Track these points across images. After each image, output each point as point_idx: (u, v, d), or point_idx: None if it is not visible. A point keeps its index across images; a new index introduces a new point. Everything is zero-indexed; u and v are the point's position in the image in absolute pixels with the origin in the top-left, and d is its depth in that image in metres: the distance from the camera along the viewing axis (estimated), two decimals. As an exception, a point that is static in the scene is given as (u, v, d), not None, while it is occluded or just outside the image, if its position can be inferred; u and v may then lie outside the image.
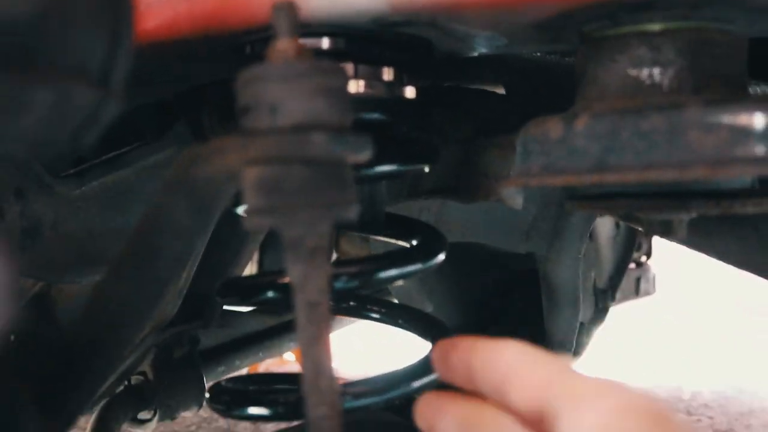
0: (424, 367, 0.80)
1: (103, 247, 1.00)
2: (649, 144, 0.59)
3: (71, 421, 0.61)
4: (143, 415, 1.37)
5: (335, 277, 0.74)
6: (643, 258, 2.37)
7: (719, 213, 0.68)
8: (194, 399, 1.42)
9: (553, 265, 1.20)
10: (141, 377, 1.37)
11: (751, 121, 0.55)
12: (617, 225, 2.00)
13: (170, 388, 1.37)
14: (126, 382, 1.36)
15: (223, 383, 0.84)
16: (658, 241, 2.32)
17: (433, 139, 0.89)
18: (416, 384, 0.78)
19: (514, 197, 0.76)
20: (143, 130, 1.11)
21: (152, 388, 1.36)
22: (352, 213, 0.54)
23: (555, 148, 0.65)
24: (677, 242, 1.15)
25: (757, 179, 0.71)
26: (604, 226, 1.92)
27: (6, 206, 0.90)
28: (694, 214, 0.72)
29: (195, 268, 1.28)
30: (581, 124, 0.63)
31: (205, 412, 2.68)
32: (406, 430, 1.00)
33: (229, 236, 1.31)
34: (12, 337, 1.09)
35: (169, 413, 1.39)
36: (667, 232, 0.73)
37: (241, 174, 0.52)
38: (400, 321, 0.92)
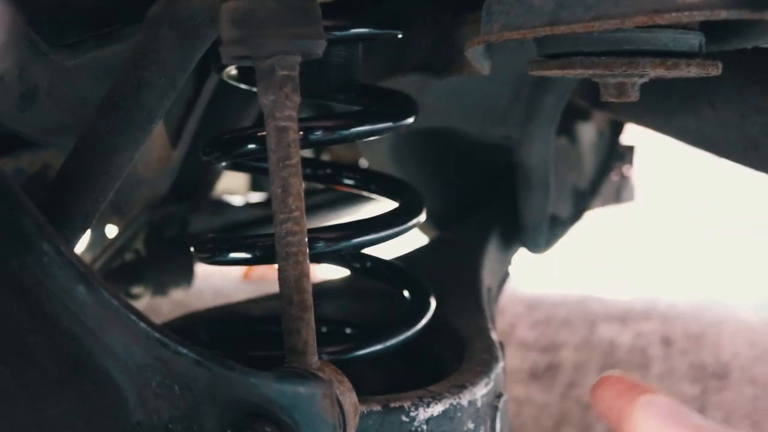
0: (395, 216, 0.86)
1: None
2: (597, -2, 0.64)
3: (80, 232, 0.67)
4: (136, 290, 1.44)
5: (306, 130, 0.79)
6: (626, 167, 2.44)
7: (665, 72, 0.73)
8: (184, 277, 1.50)
9: (526, 148, 1.25)
10: (134, 254, 1.44)
11: (687, -28, 0.61)
12: (600, 132, 2.06)
13: (161, 265, 1.44)
14: (120, 259, 1.43)
15: (207, 235, 0.90)
16: (643, 152, 2.38)
17: (407, 13, 0.94)
18: (391, 230, 0.84)
19: (479, 61, 0.81)
20: (138, 9, 1.15)
21: (144, 264, 1.43)
22: (320, 48, 0.60)
23: (514, 7, 0.70)
24: (642, 124, 1.21)
25: (704, 45, 0.77)
26: (587, 132, 1.98)
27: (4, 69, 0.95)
28: (645, 78, 0.78)
29: (186, 149, 1.34)
30: (538, -18, 0.68)
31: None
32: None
33: (220, 121, 1.36)
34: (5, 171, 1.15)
35: (160, 290, 1.47)
36: (621, 95, 0.79)
37: (218, 8, 0.57)
38: (373, 186, 0.98)
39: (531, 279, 3.00)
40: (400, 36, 0.90)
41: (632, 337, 2.55)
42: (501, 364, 0.88)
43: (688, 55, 0.75)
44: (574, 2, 0.66)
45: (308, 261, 0.61)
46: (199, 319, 1.00)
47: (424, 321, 0.90)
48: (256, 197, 2.02)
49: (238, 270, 3.10)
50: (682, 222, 4.13)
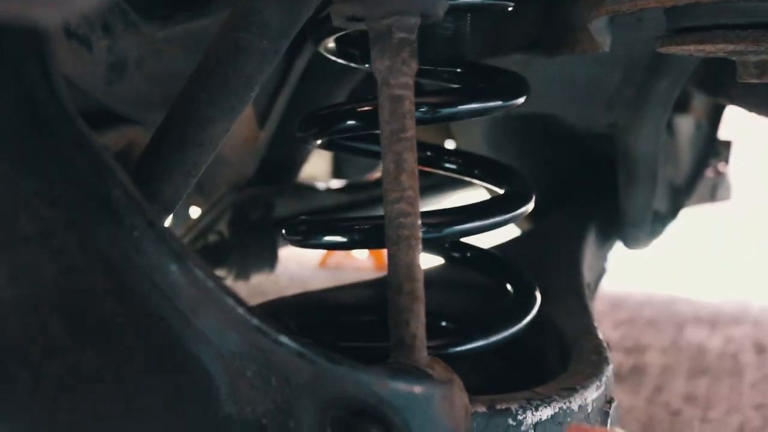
0: (502, 202, 0.80)
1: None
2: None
3: (170, 208, 0.62)
4: (218, 272, 1.40)
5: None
6: (722, 164, 2.33)
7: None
8: (267, 262, 1.46)
9: (634, 136, 1.17)
10: (217, 236, 1.40)
11: None
12: (698, 126, 1.96)
13: (245, 249, 1.41)
14: (203, 240, 1.40)
15: (299, 218, 0.85)
16: (739, 147, 2.27)
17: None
18: (496, 218, 0.78)
19: (602, 34, 0.74)
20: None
21: (228, 247, 1.40)
22: (442, 9, 0.54)
23: (649, -28, 0.63)
24: (758, 112, 1.12)
25: None
26: (685, 126, 1.89)
27: (94, 38, 0.92)
28: (791, 56, 0.70)
29: (273, 129, 1.30)
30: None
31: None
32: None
33: (309, 101, 1.31)
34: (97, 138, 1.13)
35: (243, 273, 1.43)
36: (762, 74, 0.71)
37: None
38: (477, 171, 0.91)
39: (615, 276, 2.89)
40: (510, 8, 0.83)
41: (722, 341, 2.44)
42: (611, 366, 0.81)
43: None
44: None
45: (420, 246, 0.55)
46: (285, 306, 0.95)
47: (529, 316, 0.83)
48: (338, 184, 1.98)
49: (314, 257, 3.07)
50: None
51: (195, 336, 0.50)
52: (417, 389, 0.47)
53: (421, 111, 0.75)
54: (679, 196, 1.83)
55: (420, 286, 0.54)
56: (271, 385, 0.51)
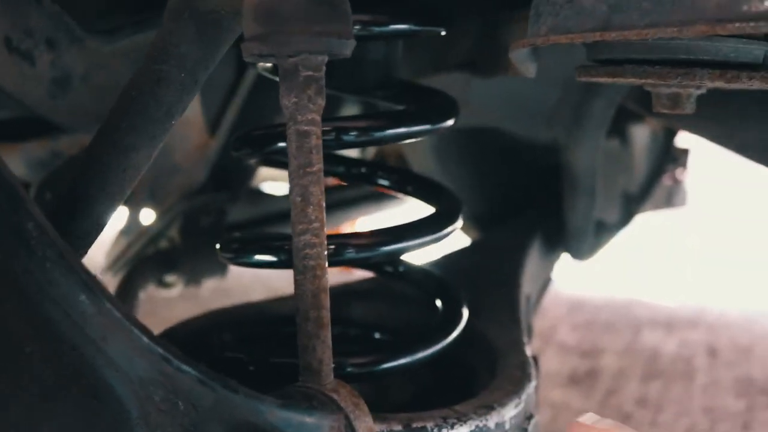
0: (428, 223, 0.82)
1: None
2: (654, 3, 0.59)
3: (97, 230, 0.64)
4: (169, 278, 1.42)
5: (342, 130, 0.75)
6: (678, 171, 2.37)
7: (724, 84, 0.68)
8: (218, 267, 1.47)
9: (573, 152, 1.20)
10: (168, 242, 1.42)
11: (752, -21, 0.55)
12: (654, 135, 1.99)
13: (196, 254, 1.42)
14: (154, 246, 1.41)
15: (233, 234, 0.87)
16: (698, 156, 2.31)
17: (451, 4, 0.89)
18: (425, 237, 0.80)
19: (525, 63, 0.76)
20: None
21: (179, 252, 1.41)
22: (348, 48, 0.56)
23: (564, 9, 0.65)
24: (698, 134, 1.15)
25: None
26: (641, 134, 1.92)
27: (36, 53, 0.93)
28: (702, 89, 0.73)
29: (224, 138, 1.32)
30: (591, -16, 0.63)
31: (240, 298, 2.76)
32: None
33: (259, 110, 1.33)
34: (49, 195, 1.14)
35: (193, 278, 1.44)
36: (675, 106, 0.74)
37: (241, 2, 0.53)
38: (409, 188, 0.94)
39: (573, 280, 2.93)
40: (443, 32, 0.85)
41: (677, 345, 2.48)
42: (533, 383, 0.84)
43: (751, 67, 0.69)
44: (628, 6, 0.61)
45: (327, 275, 0.57)
46: (223, 318, 0.97)
47: (455, 333, 0.86)
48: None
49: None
50: (734, 228, 4.02)
51: (105, 363, 0.52)
52: (307, 419, 0.50)
53: (352, 135, 0.77)
54: (632, 205, 1.86)
55: (326, 313, 0.57)
56: (179, 410, 0.53)
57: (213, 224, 1.45)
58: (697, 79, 0.68)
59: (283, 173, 1.76)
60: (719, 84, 0.68)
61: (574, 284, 2.93)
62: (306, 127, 0.54)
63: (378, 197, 1.81)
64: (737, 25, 0.56)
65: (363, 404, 0.57)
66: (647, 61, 0.69)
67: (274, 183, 2.09)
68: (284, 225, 1.69)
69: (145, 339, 0.51)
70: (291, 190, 0.56)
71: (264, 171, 1.70)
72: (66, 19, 0.98)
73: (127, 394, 0.53)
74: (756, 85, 0.69)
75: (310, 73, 0.54)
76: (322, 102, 0.55)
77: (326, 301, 0.57)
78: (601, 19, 0.62)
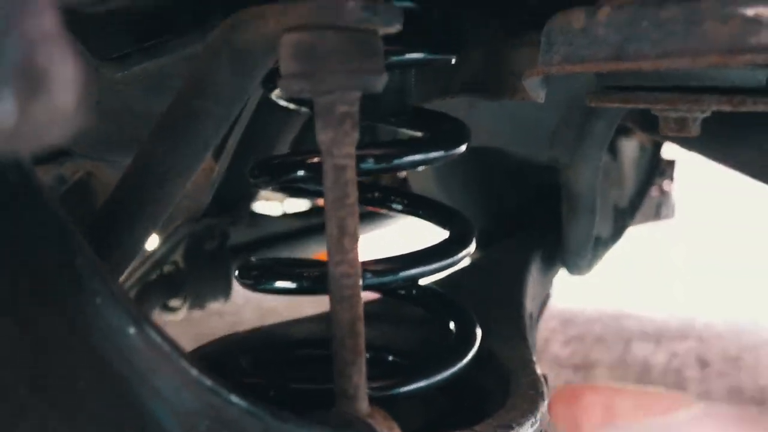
0: (443, 248, 0.84)
1: (143, 128, 1.04)
2: (666, 33, 0.61)
3: (129, 260, 0.66)
4: (174, 302, 1.43)
5: (359, 158, 0.77)
6: (666, 183, 2.40)
7: (731, 109, 0.71)
8: (222, 290, 1.49)
9: (573, 172, 1.23)
10: (173, 266, 1.43)
11: (764, 12, 0.58)
12: (642, 148, 2.02)
13: (200, 278, 1.43)
14: (158, 271, 1.42)
15: (252, 260, 0.88)
16: (684, 168, 2.34)
17: (460, 31, 0.92)
18: (435, 265, 0.82)
19: (536, 90, 0.79)
20: (182, 23, 1.14)
21: (183, 277, 1.42)
22: (381, 83, 0.58)
23: (577, 38, 0.67)
24: (697, 152, 1.18)
25: (773, 81, 0.74)
26: (629, 148, 1.94)
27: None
28: (707, 113, 0.75)
29: (228, 162, 1.33)
30: (604, 14, 0.65)
31: (232, 317, 2.77)
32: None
33: (261, 135, 1.35)
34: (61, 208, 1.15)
35: (198, 302, 1.45)
36: (681, 129, 0.76)
37: (278, 40, 0.55)
38: (420, 212, 0.96)
39: (565, 293, 2.95)
40: (453, 60, 0.88)
41: (667, 356, 2.51)
42: (546, 402, 0.86)
43: (756, 92, 0.72)
44: (641, 36, 0.63)
45: (362, 303, 0.59)
46: (238, 343, 0.98)
47: (471, 354, 0.88)
48: (294, 205, 2.01)
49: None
50: (722, 238, 4.06)
51: (153, 394, 0.54)
52: (357, 444, 0.52)
53: (369, 162, 0.79)
54: (623, 218, 1.89)
55: (362, 341, 0.58)
56: (225, 439, 0.55)
57: (216, 248, 1.46)
58: (706, 104, 0.71)
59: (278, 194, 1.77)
60: (727, 108, 0.71)
61: (566, 297, 2.95)
62: (343, 162, 0.56)
63: (369, 218, 1.83)
64: (748, 56, 0.59)
65: (397, 428, 0.59)
66: (658, 88, 0.72)
67: (266, 203, 2.11)
68: (281, 247, 1.71)
69: (194, 371, 0.53)
70: (327, 221, 0.58)
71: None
72: (78, 46, 1.00)
73: (173, 425, 0.55)
74: (761, 108, 0.71)
75: (346, 108, 0.56)
76: (356, 135, 0.57)
77: (362, 329, 0.59)
78: (614, 48, 0.65)
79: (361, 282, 0.59)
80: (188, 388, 0.53)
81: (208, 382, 0.52)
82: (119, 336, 0.52)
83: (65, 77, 0.29)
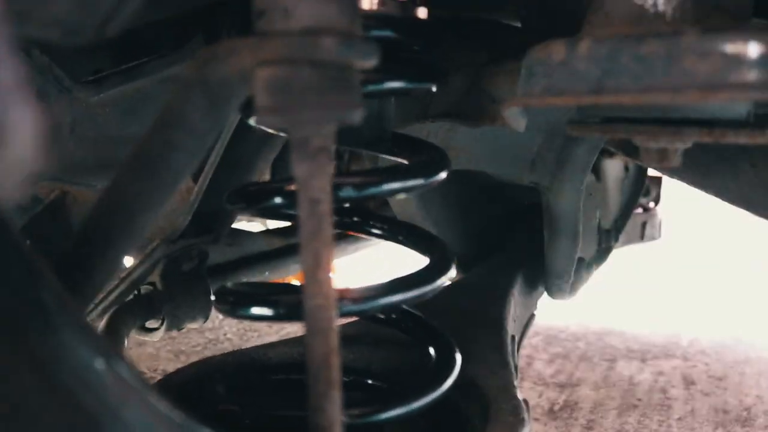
0: (421, 276, 0.84)
1: (119, 152, 1.03)
2: (646, 68, 0.61)
3: (97, 292, 0.65)
4: (151, 323, 1.42)
5: (338, 186, 0.77)
6: (651, 203, 2.40)
7: (712, 141, 0.71)
8: (201, 311, 1.47)
9: (555, 196, 1.23)
10: (150, 287, 1.41)
11: (744, 49, 0.58)
12: (626, 168, 2.02)
13: (178, 299, 1.42)
14: (135, 292, 1.41)
15: (229, 285, 0.87)
16: (667, 188, 2.34)
17: (441, 60, 0.92)
18: (413, 292, 0.82)
19: (517, 119, 0.78)
20: (161, 44, 1.14)
21: (161, 298, 1.41)
22: (357, 116, 0.57)
23: (557, 70, 0.67)
24: (677, 178, 1.18)
25: (753, 113, 0.74)
26: (613, 168, 1.94)
27: (28, 107, 0.94)
28: (688, 144, 0.75)
29: (206, 183, 1.32)
30: (584, 47, 0.65)
31: (211, 333, 2.76)
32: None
33: (240, 154, 1.34)
34: (27, 242, 1.13)
35: (176, 323, 1.44)
36: (662, 160, 0.76)
37: (253, 74, 0.55)
38: (400, 237, 0.95)
39: (549, 310, 2.95)
40: (434, 89, 0.87)
41: (653, 375, 2.51)
42: (527, 429, 0.85)
43: (737, 124, 0.72)
44: (621, 70, 0.63)
45: (337, 335, 0.58)
46: (214, 368, 0.98)
47: (450, 380, 0.87)
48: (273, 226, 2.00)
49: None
50: (705, 256, 4.08)
51: (123, 429, 0.53)
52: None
53: (348, 190, 0.79)
54: (608, 240, 1.88)
55: (336, 373, 0.58)
56: (194, 474, 0.54)
57: (194, 268, 1.45)
58: (687, 136, 0.71)
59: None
60: (708, 140, 0.71)
61: (550, 315, 2.95)
62: (317, 195, 0.56)
63: (343, 240, 1.83)
64: (728, 93, 0.59)
65: (373, 463, 0.58)
66: (637, 120, 0.71)
67: (247, 222, 2.10)
68: (262, 266, 1.70)
69: (164, 407, 0.52)
70: (302, 254, 0.57)
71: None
72: (55, 70, 0.99)
73: (143, 461, 0.54)
74: (743, 140, 0.71)
75: (321, 142, 0.55)
76: (332, 168, 0.56)
77: (336, 361, 0.58)
78: (593, 82, 0.65)
79: (337, 312, 0.58)
80: (158, 424, 0.52)
81: (178, 418, 0.51)
82: (87, 371, 0.51)
83: (23, 129, 0.28)
